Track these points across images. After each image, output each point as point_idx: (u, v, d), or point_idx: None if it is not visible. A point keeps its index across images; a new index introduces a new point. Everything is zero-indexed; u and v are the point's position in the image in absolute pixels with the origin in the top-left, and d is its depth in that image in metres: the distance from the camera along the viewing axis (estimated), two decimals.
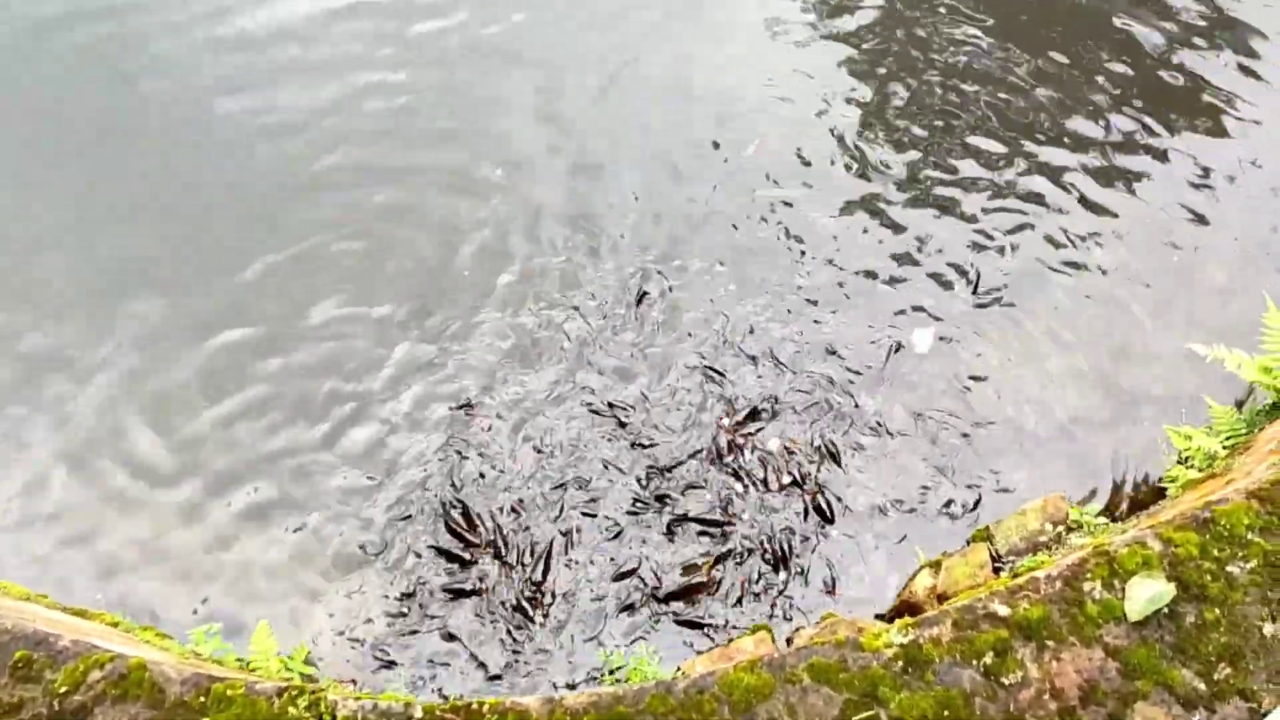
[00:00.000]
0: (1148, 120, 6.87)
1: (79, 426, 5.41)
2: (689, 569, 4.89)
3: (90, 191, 6.46)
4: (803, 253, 6.20)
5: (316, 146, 6.75)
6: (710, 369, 5.65)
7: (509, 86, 7.19)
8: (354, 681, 4.18)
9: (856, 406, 5.49)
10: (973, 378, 5.60)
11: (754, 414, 5.46)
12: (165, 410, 5.48)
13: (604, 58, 7.38)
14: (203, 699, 2.93)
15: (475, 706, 2.95)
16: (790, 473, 5.24)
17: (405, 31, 7.53)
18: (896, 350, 5.74)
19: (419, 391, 5.58)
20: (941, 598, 4.23)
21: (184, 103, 7.01)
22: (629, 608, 4.81)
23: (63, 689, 2.95)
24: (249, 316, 5.87)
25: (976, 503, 5.11)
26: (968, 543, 4.65)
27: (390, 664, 4.55)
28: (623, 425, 5.44)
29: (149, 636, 3.96)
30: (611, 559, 4.97)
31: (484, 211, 6.42)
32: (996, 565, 4.35)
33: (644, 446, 5.36)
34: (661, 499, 5.14)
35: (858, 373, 5.64)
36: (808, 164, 6.70)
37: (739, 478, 5.24)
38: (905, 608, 4.46)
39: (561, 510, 5.13)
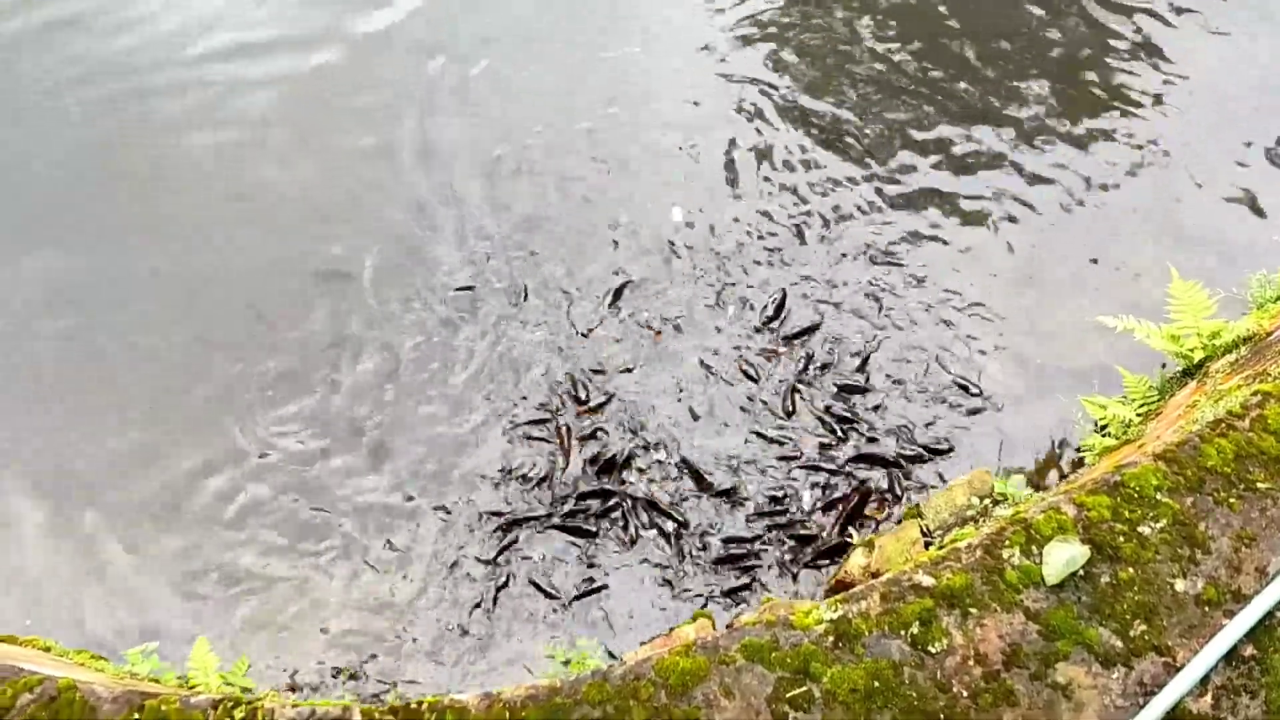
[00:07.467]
0: (1053, 102, 7.04)
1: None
2: None
3: None
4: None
5: None
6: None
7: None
8: (293, 689, 4.16)
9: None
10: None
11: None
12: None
13: None
14: (136, 716, 2.90)
15: (414, 706, 2.95)
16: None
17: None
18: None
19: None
20: (875, 575, 4.32)
21: None
22: None
23: None
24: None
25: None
26: (899, 521, 4.75)
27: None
28: None
29: (83, 659, 3.89)
30: None
31: None
32: (927, 541, 4.46)
33: None
34: None
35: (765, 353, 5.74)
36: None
37: None
38: (841, 587, 4.55)
39: None
